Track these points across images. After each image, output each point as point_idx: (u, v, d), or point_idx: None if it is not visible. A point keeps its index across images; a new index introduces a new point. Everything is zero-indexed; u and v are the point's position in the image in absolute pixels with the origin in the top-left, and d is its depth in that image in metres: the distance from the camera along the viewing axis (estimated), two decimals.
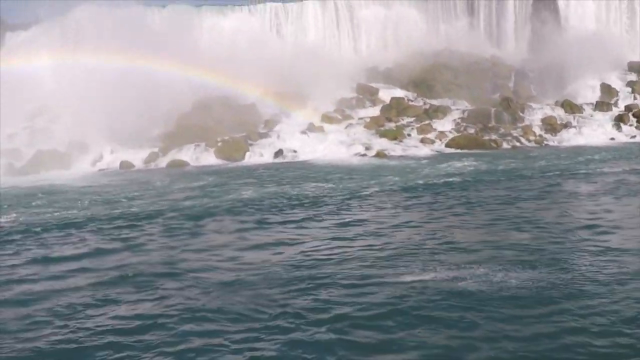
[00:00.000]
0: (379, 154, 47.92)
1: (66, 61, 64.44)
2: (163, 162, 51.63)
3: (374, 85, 63.16)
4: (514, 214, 24.72)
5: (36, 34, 71.49)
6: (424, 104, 60.17)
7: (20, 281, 18.06)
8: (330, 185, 34.26)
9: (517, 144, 51.57)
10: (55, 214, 28.47)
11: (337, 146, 50.83)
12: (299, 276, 17.14)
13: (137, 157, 52.73)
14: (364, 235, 22.15)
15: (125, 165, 51.17)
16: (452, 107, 57.81)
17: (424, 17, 71.19)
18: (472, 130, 53.39)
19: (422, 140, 51.85)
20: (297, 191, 32.35)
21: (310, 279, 16.82)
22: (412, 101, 60.61)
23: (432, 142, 51.63)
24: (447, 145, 50.77)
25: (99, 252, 21.11)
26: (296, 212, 26.97)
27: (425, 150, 49.56)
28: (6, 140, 58.22)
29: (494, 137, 52.27)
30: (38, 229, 24.87)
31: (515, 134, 52.99)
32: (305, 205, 28.49)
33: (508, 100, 56.79)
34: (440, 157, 46.05)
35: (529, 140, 52.31)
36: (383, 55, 69.23)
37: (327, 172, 39.47)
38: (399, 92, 62.24)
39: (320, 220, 25.19)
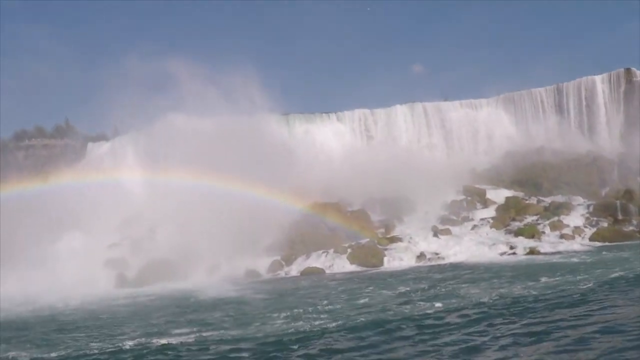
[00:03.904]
0: (533, 252, 44.39)
1: (156, 172, 61.72)
2: (293, 270, 48.19)
3: (479, 186, 60.67)
4: None
5: (121, 144, 69.16)
6: (538, 202, 57.36)
7: None
8: (542, 282, 30.60)
9: None
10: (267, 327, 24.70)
11: (478, 246, 47.40)
12: None
13: (258, 266, 49.30)
14: None
15: (252, 275, 47.54)
16: (574, 203, 54.87)
17: (512, 118, 69.54)
18: (605, 224, 50.30)
19: (562, 236, 48.56)
20: (516, 292, 28.43)
21: None
22: (526, 200, 57.84)
23: (572, 237, 48.36)
24: (591, 239, 47.54)
25: None
26: (561, 312, 23.07)
27: (575, 245, 45.92)
28: (109, 251, 54.96)
29: (631, 228, 49.33)
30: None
31: None
32: (550, 306, 24.37)
33: (631, 192, 53.99)
34: (599, 250, 42.63)
35: None
36: (476, 156, 67.17)
37: (509, 273, 35.24)
38: (506, 192, 59.46)
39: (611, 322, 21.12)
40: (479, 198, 58.64)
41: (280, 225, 52.52)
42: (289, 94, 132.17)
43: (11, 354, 22.48)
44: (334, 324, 23.33)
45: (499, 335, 19.75)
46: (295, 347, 20.25)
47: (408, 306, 26.18)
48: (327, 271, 46.90)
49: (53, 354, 21.79)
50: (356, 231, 52.94)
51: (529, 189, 60.03)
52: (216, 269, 48.99)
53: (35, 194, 61.99)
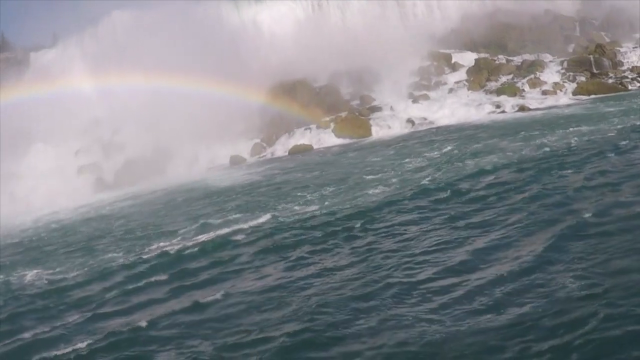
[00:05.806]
0: (523, 108, 43.55)
1: (109, 76, 57.01)
2: (278, 150, 46.47)
3: (444, 51, 59.00)
4: None
5: (66, 49, 63.94)
6: (507, 62, 56.19)
7: None
8: (569, 132, 28.98)
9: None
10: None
11: (464, 108, 46.37)
12: None
13: (239, 151, 47.42)
14: None
15: (237, 160, 45.79)
16: (545, 61, 53.90)
17: None
18: (583, 78, 49.60)
19: (544, 92, 47.74)
20: (554, 143, 26.83)
21: None
22: (495, 60, 56.56)
23: (554, 92, 47.57)
24: (574, 94, 46.79)
25: None
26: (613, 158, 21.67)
27: (562, 100, 45.29)
28: (78, 159, 51.71)
29: (611, 81, 48.74)
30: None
31: (629, 76, 49.44)
32: (602, 151, 22.90)
33: (602, 46, 53.35)
34: (594, 102, 41.80)
35: None
36: (431, 22, 64.96)
37: (526, 127, 32.79)
38: (472, 55, 58.19)
39: None
40: (445, 62, 57.30)
41: (250, 112, 49.93)
42: None
43: (34, 271, 19.80)
44: (408, 191, 21.41)
45: (574, 182, 18.49)
46: (365, 219, 18.32)
47: (456, 165, 24.59)
48: (315, 146, 45.02)
49: (93, 262, 19.45)
50: (330, 105, 50.99)
51: (494, 50, 58.83)
52: (195, 161, 47.17)
53: None
